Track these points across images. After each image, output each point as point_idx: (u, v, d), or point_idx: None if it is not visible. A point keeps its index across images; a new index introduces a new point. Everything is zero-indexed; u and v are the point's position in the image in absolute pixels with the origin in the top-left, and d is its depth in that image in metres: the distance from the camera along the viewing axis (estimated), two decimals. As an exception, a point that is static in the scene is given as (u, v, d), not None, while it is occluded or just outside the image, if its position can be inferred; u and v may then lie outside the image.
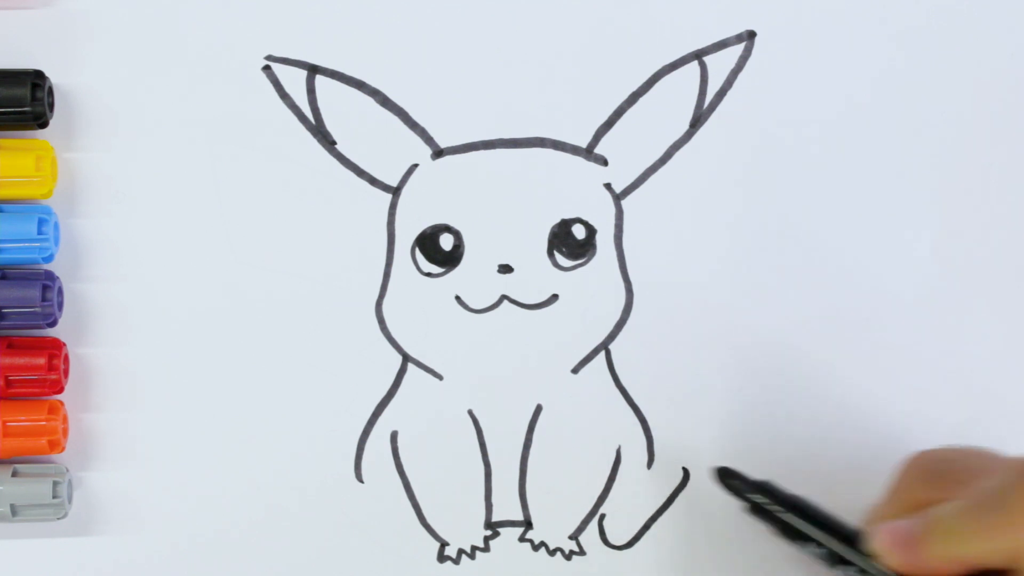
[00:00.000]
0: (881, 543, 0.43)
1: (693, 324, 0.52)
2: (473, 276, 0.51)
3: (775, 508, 0.48)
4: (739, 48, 0.51)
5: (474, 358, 0.52)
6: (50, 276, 0.49)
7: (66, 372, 0.50)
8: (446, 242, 0.51)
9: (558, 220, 0.51)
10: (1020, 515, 0.39)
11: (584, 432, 0.52)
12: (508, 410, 0.52)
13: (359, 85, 0.51)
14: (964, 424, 0.52)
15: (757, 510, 0.48)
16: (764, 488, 0.48)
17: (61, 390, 0.49)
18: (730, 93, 0.51)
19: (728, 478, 0.49)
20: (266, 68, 0.50)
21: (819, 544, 0.46)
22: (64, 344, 0.50)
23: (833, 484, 0.52)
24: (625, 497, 0.52)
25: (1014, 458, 0.40)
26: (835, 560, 0.46)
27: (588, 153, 0.51)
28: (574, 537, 0.52)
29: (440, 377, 0.52)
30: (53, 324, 0.49)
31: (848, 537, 0.45)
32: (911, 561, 0.42)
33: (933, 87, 0.52)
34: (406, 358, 0.51)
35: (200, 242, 0.51)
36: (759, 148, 0.52)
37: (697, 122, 0.51)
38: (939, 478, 0.43)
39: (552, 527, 0.52)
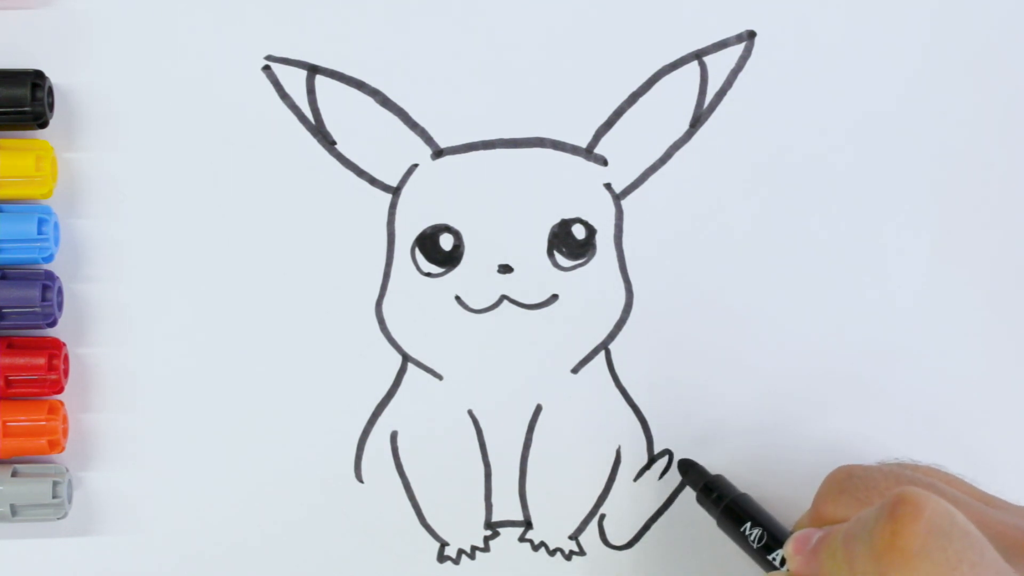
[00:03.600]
0: (787, 548, 0.45)
1: (693, 324, 0.52)
2: (473, 276, 0.51)
3: (721, 499, 0.50)
4: (739, 48, 0.51)
5: (474, 358, 0.52)
6: (50, 276, 0.49)
7: (66, 372, 0.50)
8: (446, 242, 0.51)
9: (558, 220, 0.51)
10: (882, 547, 0.39)
11: (584, 432, 0.52)
12: (508, 410, 0.52)
13: (359, 85, 0.51)
14: (963, 424, 0.53)
15: (704, 500, 0.51)
16: (716, 481, 0.51)
17: (61, 390, 0.49)
18: (730, 93, 0.51)
19: (688, 468, 0.52)
20: (266, 68, 0.50)
21: (749, 536, 0.49)
22: (64, 344, 0.50)
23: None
24: (625, 497, 0.52)
25: (898, 489, 0.41)
26: (762, 554, 0.48)
27: (588, 153, 0.51)
28: (574, 537, 0.52)
29: (440, 377, 0.52)
30: (53, 324, 0.49)
31: (775, 535, 0.48)
32: (808, 571, 0.44)
33: (933, 87, 0.52)
34: (406, 358, 0.51)
35: (200, 242, 0.51)
36: (759, 148, 0.52)
37: (697, 122, 0.51)
38: (844, 495, 0.45)
39: (552, 527, 0.52)
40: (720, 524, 0.50)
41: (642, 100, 0.51)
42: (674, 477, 0.52)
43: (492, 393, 0.52)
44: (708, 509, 0.51)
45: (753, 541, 0.48)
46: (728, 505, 0.50)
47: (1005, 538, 0.41)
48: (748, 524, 0.49)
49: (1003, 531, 0.42)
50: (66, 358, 0.50)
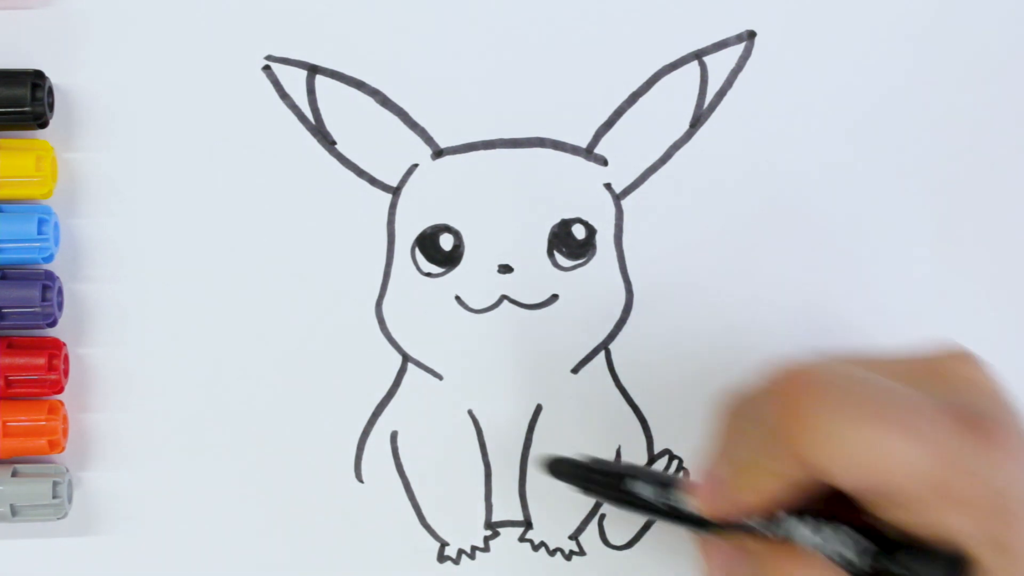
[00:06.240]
0: (697, 494, 0.43)
1: (693, 324, 0.52)
2: (473, 276, 0.51)
3: (609, 481, 0.47)
4: (739, 48, 0.51)
5: (474, 358, 0.52)
6: (50, 276, 0.49)
7: (66, 372, 0.50)
8: (446, 242, 0.51)
9: (558, 220, 0.51)
10: (793, 434, 0.39)
11: (584, 432, 0.52)
12: (508, 410, 0.52)
13: (359, 85, 0.51)
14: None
15: (591, 489, 0.47)
16: (594, 466, 0.47)
17: (61, 390, 0.49)
18: (730, 93, 0.51)
19: (558, 467, 0.48)
20: (266, 68, 0.50)
21: (653, 504, 0.45)
22: (64, 344, 0.50)
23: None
24: (625, 497, 0.52)
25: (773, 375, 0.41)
26: (673, 516, 0.45)
27: (588, 153, 0.51)
28: (574, 537, 0.52)
29: (440, 377, 0.52)
30: (53, 324, 0.49)
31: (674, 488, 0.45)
32: (725, 507, 0.42)
33: (933, 87, 0.52)
34: (406, 358, 0.52)
35: (200, 242, 0.51)
36: (759, 148, 0.52)
37: (697, 122, 0.51)
38: (744, 422, 0.43)
39: (552, 527, 0.52)
40: (611, 501, 0.47)
41: (642, 100, 0.51)
42: (674, 477, 0.52)
43: (492, 393, 0.52)
44: (593, 492, 0.48)
45: (650, 495, 0.45)
46: (612, 473, 0.46)
47: (899, 370, 0.41)
48: (635, 480, 0.45)
49: (895, 369, 0.42)
50: (66, 358, 0.50)
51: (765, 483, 0.41)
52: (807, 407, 0.39)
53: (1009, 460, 0.39)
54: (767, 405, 0.40)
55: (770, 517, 0.41)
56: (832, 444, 0.39)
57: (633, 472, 0.46)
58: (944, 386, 0.41)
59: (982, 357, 0.43)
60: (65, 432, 0.50)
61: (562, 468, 0.48)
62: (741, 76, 0.51)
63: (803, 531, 0.41)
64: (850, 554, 0.40)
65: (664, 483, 0.45)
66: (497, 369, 0.52)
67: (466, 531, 0.52)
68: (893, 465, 0.38)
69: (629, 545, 0.53)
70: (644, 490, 0.45)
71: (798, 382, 0.40)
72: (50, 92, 0.49)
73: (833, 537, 0.40)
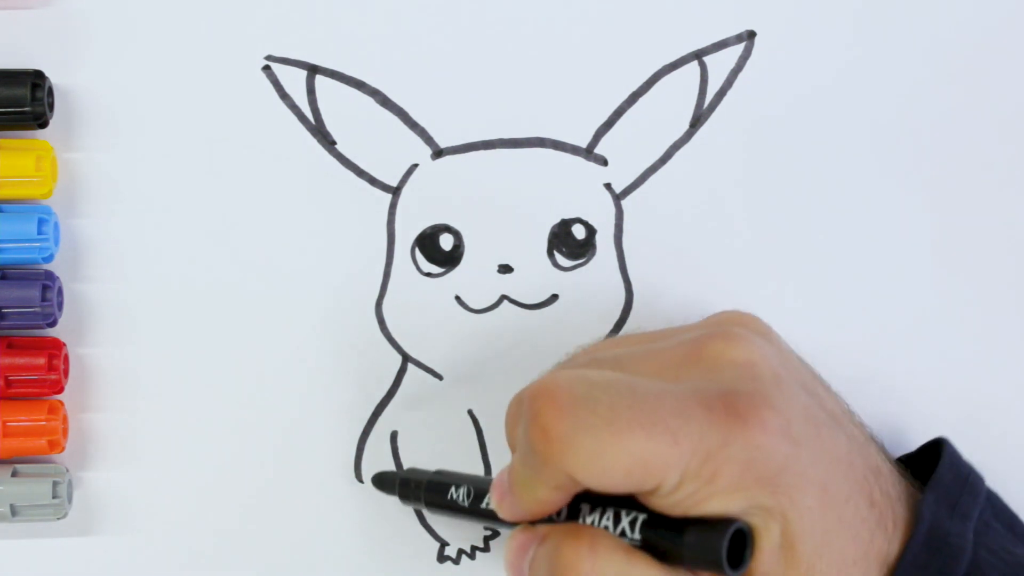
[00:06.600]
0: (492, 500, 0.44)
1: (693, 324, 0.52)
2: (473, 276, 0.51)
3: (421, 487, 0.49)
4: (739, 48, 0.51)
5: (474, 358, 0.52)
6: (50, 276, 0.49)
7: (66, 372, 0.50)
8: (446, 242, 0.51)
9: (558, 220, 0.51)
10: (551, 457, 0.40)
11: (584, 432, 0.52)
12: (508, 410, 0.52)
13: (359, 85, 0.51)
14: (962, 424, 0.52)
15: (407, 496, 0.49)
16: (408, 475, 0.49)
17: (61, 390, 0.49)
18: (730, 93, 0.51)
19: (382, 482, 0.51)
20: (266, 68, 0.50)
21: (462, 505, 0.47)
22: (64, 344, 0.50)
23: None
24: (625, 497, 0.52)
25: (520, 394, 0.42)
26: (486, 517, 0.46)
27: (588, 153, 0.51)
28: (574, 537, 0.52)
29: (440, 377, 0.52)
30: (53, 324, 0.49)
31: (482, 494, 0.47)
32: (515, 511, 0.43)
33: (933, 88, 0.52)
34: (406, 358, 0.51)
35: (200, 242, 0.51)
36: (759, 148, 0.52)
37: (697, 122, 0.51)
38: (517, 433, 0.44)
39: (552, 527, 0.52)
40: (429, 505, 0.49)
41: (642, 100, 0.51)
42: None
43: (492, 393, 0.52)
44: (414, 501, 0.49)
45: (462, 499, 0.47)
46: (430, 482, 0.48)
47: (662, 360, 0.42)
48: (453, 487, 0.47)
49: (656, 358, 0.42)
50: (66, 358, 0.50)
51: (542, 494, 0.42)
52: (558, 429, 0.40)
53: (763, 434, 0.40)
54: (524, 425, 0.41)
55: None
56: (588, 461, 0.40)
57: (448, 480, 0.47)
58: (700, 370, 0.42)
59: (753, 319, 0.44)
60: (65, 432, 0.50)
61: (385, 481, 0.50)
62: (741, 76, 0.51)
63: (586, 515, 0.42)
64: (635, 532, 0.41)
65: (476, 488, 0.46)
66: (497, 369, 0.52)
67: (466, 531, 0.52)
68: (652, 468, 0.39)
69: (629, 545, 0.52)
70: (461, 496, 0.46)
71: (545, 402, 0.40)
72: (50, 92, 0.49)
73: (615, 516, 0.41)
